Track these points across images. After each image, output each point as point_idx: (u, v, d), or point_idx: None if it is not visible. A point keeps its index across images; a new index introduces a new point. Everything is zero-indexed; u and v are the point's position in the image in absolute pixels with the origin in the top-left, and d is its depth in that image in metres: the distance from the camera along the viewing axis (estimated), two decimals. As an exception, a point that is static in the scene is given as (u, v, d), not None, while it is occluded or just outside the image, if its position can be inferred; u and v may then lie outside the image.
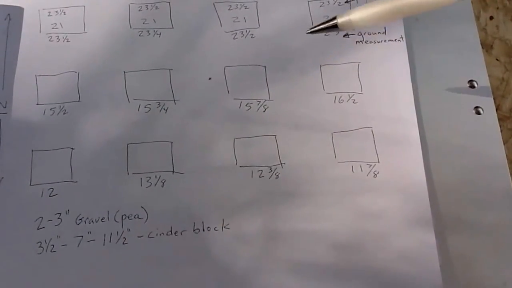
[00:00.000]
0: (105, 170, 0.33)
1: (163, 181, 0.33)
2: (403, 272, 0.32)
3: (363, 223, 0.33)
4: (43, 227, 0.32)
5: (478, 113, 0.36)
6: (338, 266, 0.32)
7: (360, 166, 0.34)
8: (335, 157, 0.34)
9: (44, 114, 0.35)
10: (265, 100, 0.36)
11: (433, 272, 0.32)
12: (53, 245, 0.32)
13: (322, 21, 0.32)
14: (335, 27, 0.31)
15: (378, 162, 0.34)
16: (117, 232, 0.32)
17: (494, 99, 0.36)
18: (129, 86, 0.36)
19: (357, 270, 0.32)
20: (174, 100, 0.35)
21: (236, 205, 0.33)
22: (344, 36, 0.37)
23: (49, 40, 0.37)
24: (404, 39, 0.37)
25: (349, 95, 0.36)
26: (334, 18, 0.31)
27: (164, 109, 0.35)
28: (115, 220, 0.32)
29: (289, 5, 0.38)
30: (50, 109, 0.35)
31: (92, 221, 0.32)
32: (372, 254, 0.32)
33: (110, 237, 0.32)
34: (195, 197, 0.33)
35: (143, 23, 0.37)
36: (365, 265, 0.32)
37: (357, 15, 0.30)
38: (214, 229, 0.32)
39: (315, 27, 0.32)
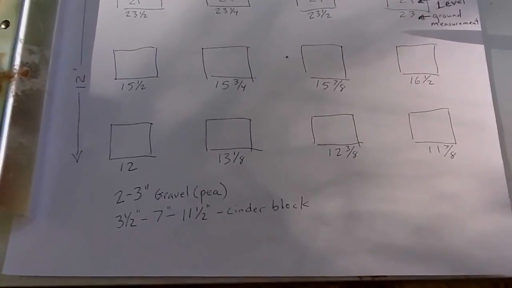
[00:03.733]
0: (184, 146, 0.33)
1: (241, 158, 0.33)
2: (480, 255, 0.32)
3: (440, 205, 0.32)
4: (123, 201, 0.32)
5: (553, 97, 0.36)
6: (415, 248, 0.31)
7: (438, 147, 0.34)
8: (412, 137, 0.34)
9: (122, 89, 0.35)
10: (342, 79, 0.35)
11: (511, 256, 0.31)
12: (133, 219, 0.32)
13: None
14: None
15: (455, 143, 0.34)
16: (197, 208, 0.32)
17: None
18: (207, 63, 0.35)
19: (433, 252, 0.31)
20: (252, 78, 0.35)
21: (315, 183, 0.33)
22: (419, 18, 0.37)
23: (126, 15, 0.37)
24: (479, 22, 0.37)
25: (425, 76, 0.36)
26: None
27: (242, 87, 0.35)
28: (194, 195, 0.32)
29: (364, -14, 0.38)
30: (128, 84, 0.35)
31: (172, 196, 0.32)
32: (449, 237, 0.32)
33: (190, 212, 0.32)
34: (273, 174, 0.33)
35: (220, 1, 0.37)
36: (442, 248, 0.32)
37: None
38: (293, 206, 0.32)
39: None
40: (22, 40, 0.33)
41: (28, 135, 0.32)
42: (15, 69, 0.32)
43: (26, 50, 0.33)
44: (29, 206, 0.31)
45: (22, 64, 0.33)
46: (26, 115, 0.32)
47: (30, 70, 0.33)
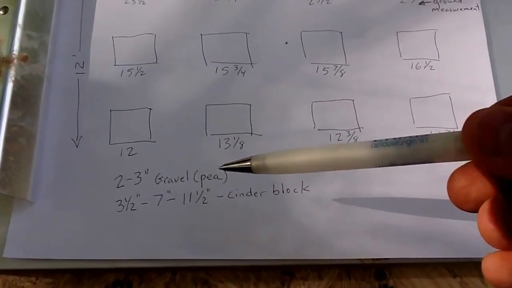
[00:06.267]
0: (184, 131, 0.33)
1: (241, 142, 0.33)
2: (480, 238, 0.31)
3: (440, 188, 0.32)
4: (123, 186, 0.32)
5: (554, 82, 0.36)
6: (416, 230, 0.31)
7: (439, 132, 0.34)
8: (414, 122, 0.34)
9: (121, 75, 0.35)
10: (342, 65, 0.35)
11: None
12: (133, 203, 0.32)
13: (238, 160, 0.26)
14: (249, 169, 0.25)
15: (457, 128, 0.34)
16: (197, 192, 0.32)
17: None
18: (206, 49, 0.35)
19: (434, 235, 0.31)
20: (252, 63, 0.35)
21: (315, 168, 0.33)
22: (420, 4, 0.37)
23: (125, 3, 0.37)
24: (480, 8, 0.37)
25: (426, 62, 0.36)
26: (249, 160, 0.25)
27: (241, 72, 0.35)
28: (194, 180, 0.32)
29: (364, -28, 0.38)
30: (128, 70, 0.35)
31: (172, 181, 0.32)
32: (449, 219, 0.32)
33: (190, 196, 0.32)
34: (274, 159, 0.33)
35: (219, -13, 0.37)
36: (442, 231, 0.31)
37: (273, 160, 0.25)
38: (294, 191, 0.32)
39: (228, 164, 0.26)
40: (21, 26, 0.33)
41: (28, 119, 0.32)
42: (14, 54, 0.32)
43: (25, 36, 0.33)
44: (29, 190, 0.31)
45: (21, 49, 0.33)
46: (26, 100, 0.32)
47: (29, 56, 0.33)
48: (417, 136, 0.20)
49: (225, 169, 0.26)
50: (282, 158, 0.24)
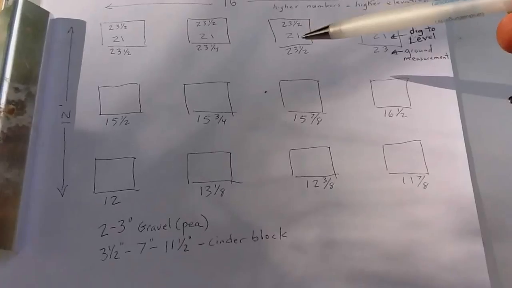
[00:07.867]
0: (166, 179, 0.34)
1: (222, 190, 0.34)
2: (452, 281, 0.33)
3: (413, 233, 0.34)
4: (107, 234, 0.33)
5: (521, 127, 0.38)
6: (391, 274, 0.33)
7: (411, 178, 0.35)
8: (387, 168, 0.35)
9: (106, 124, 0.36)
10: (319, 113, 0.37)
11: (481, 281, 0.33)
12: (116, 252, 0.33)
13: (317, 28, 0.34)
14: (327, 34, 0.34)
15: (428, 173, 0.35)
16: (179, 240, 0.33)
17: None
18: (189, 98, 0.37)
19: (408, 278, 0.33)
20: (232, 112, 0.37)
21: (293, 214, 0.34)
22: (392, 53, 0.39)
23: (111, 53, 0.38)
24: (449, 56, 0.39)
25: (398, 109, 0.37)
26: (327, 27, 0.33)
27: (222, 121, 0.36)
28: (176, 227, 0.33)
29: (339, 23, 0.39)
30: (112, 119, 0.36)
31: (154, 229, 0.33)
32: (423, 263, 0.33)
33: (172, 244, 0.33)
34: (253, 206, 0.34)
35: (201, 38, 0.39)
36: (416, 274, 0.33)
37: (347, 26, 0.33)
38: (272, 237, 0.33)
39: (310, 33, 0.35)
40: (8, 79, 0.34)
41: (14, 170, 0.33)
42: (0, 108, 0.33)
43: (12, 88, 0.34)
44: (15, 241, 0.32)
45: (8, 102, 0.34)
46: (12, 152, 0.33)
47: (15, 108, 0.34)
48: None
49: (306, 37, 0.35)
50: (356, 22, 0.32)
